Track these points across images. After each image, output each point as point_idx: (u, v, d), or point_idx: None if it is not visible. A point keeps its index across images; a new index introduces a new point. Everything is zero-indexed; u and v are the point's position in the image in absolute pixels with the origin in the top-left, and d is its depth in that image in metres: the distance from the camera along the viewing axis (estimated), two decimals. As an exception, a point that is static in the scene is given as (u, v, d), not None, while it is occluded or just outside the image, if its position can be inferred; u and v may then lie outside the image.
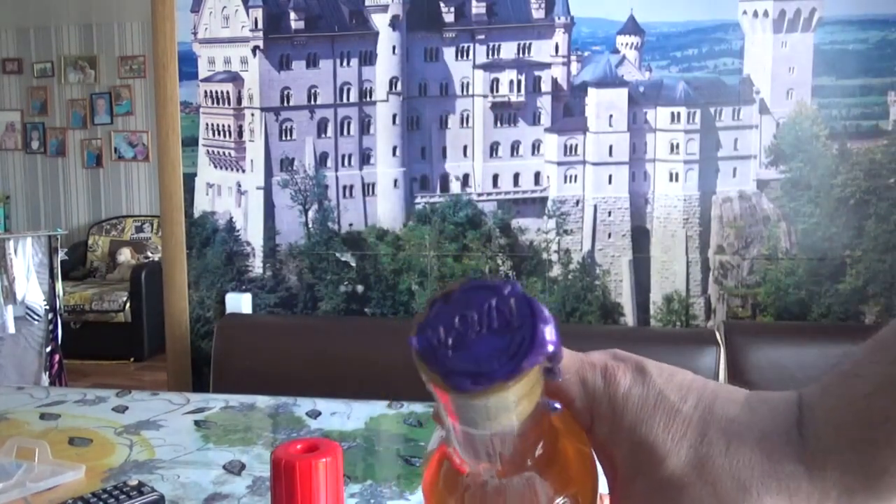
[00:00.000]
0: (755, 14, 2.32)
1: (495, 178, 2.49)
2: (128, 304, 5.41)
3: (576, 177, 2.45)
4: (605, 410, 0.36)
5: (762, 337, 2.26)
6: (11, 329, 3.49)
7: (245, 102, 2.56)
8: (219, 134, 2.60)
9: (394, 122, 2.51)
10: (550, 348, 0.31)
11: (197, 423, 1.54)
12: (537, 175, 2.47)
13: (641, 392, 0.35)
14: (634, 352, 0.39)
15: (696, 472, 0.34)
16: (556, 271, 2.46)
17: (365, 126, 2.52)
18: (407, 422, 1.56)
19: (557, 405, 0.35)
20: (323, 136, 2.54)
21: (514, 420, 0.32)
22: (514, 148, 2.48)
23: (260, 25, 2.52)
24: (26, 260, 3.55)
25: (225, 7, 2.55)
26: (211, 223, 2.62)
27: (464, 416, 0.32)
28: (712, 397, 0.35)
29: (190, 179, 2.61)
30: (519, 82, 2.45)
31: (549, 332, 0.31)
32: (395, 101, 2.50)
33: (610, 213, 2.43)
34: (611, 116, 2.42)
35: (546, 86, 2.44)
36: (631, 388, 0.36)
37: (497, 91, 2.46)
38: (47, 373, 3.66)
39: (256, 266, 2.60)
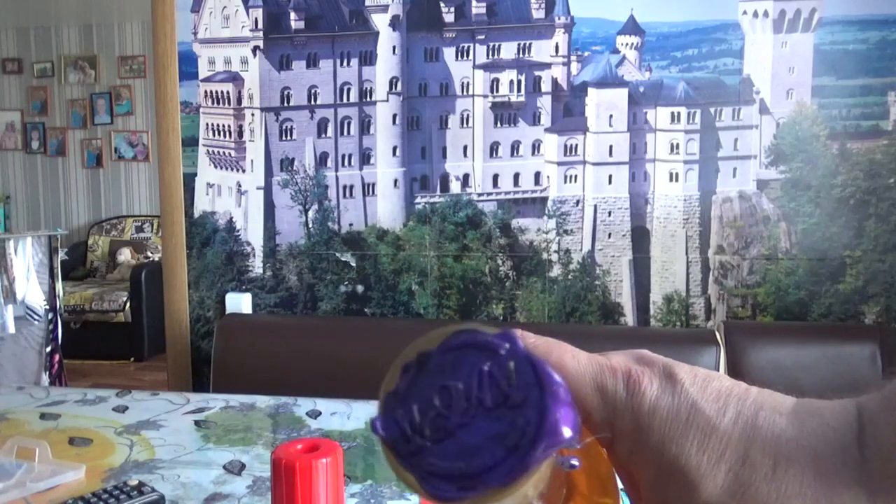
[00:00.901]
0: (755, 14, 2.32)
1: (495, 178, 2.49)
2: (128, 304, 5.41)
3: (576, 177, 2.45)
4: (627, 425, 0.30)
5: (762, 337, 2.26)
6: (11, 329, 3.48)
7: (245, 102, 2.56)
8: (219, 134, 2.60)
9: (394, 122, 2.51)
10: (566, 434, 0.23)
11: (197, 423, 1.54)
12: (537, 175, 2.47)
13: (671, 404, 0.30)
14: None
15: (737, 501, 0.29)
16: (556, 271, 2.46)
17: (365, 126, 2.52)
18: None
19: (575, 461, 0.28)
20: (323, 136, 2.54)
21: (527, 498, 0.26)
22: (515, 148, 2.48)
23: (260, 25, 2.52)
24: (26, 260, 3.55)
25: (225, 7, 2.55)
26: (211, 223, 2.62)
27: None
28: (755, 409, 0.30)
29: (190, 179, 2.61)
30: (519, 82, 2.45)
31: (564, 411, 0.24)
32: (395, 101, 2.50)
33: (610, 213, 2.43)
34: (611, 116, 2.42)
35: (546, 86, 2.44)
36: (658, 399, 0.30)
37: (497, 91, 2.46)
38: (47, 373, 3.66)
39: (256, 266, 2.60)
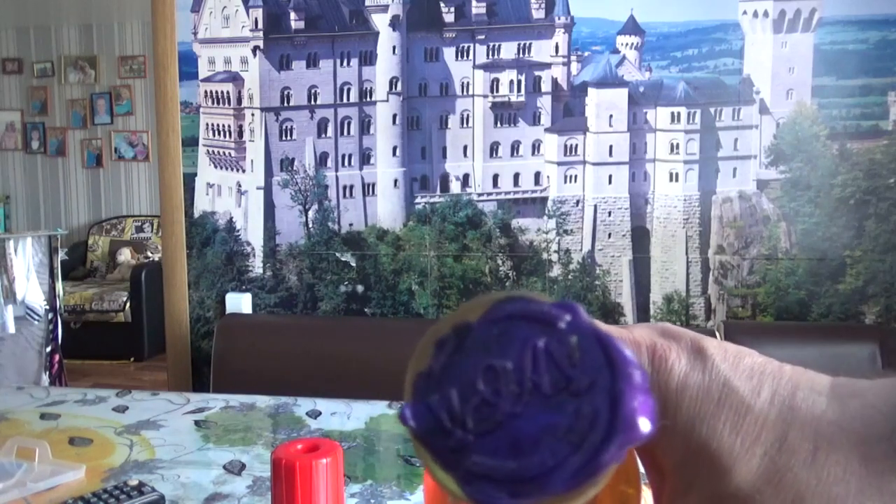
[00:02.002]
0: (755, 14, 2.32)
1: (495, 178, 2.49)
2: (128, 304, 5.41)
3: (576, 177, 2.45)
4: None
5: (762, 337, 2.26)
6: (11, 329, 3.48)
7: (245, 102, 2.56)
8: (219, 134, 2.60)
9: (394, 122, 2.51)
10: (645, 428, 0.19)
11: (197, 423, 1.54)
12: (537, 175, 2.47)
13: (701, 381, 0.27)
14: None
15: (772, 488, 0.26)
16: (556, 271, 2.46)
17: (365, 126, 2.52)
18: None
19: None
20: (323, 136, 2.54)
21: None
22: (515, 148, 2.48)
23: (260, 25, 2.52)
24: (26, 260, 3.55)
25: (225, 7, 2.55)
26: (211, 223, 2.62)
27: None
28: (792, 387, 0.28)
29: (190, 179, 2.61)
30: (519, 82, 2.45)
31: (642, 399, 0.19)
32: (395, 101, 2.50)
33: (610, 213, 2.43)
34: (611, 116, 2.42)
35: (546, 86, 2.44)
36: (688, 377, 0.27)
37: (497, 91, 2.46)
38: (47, 373, 3.66)
39: (256, 266, 2.60)
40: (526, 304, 0.20)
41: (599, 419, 0.19)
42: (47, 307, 3.64)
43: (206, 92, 2.59)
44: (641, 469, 0.30)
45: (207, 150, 2.61)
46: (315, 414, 1.59)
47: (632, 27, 2.37)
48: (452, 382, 0.19)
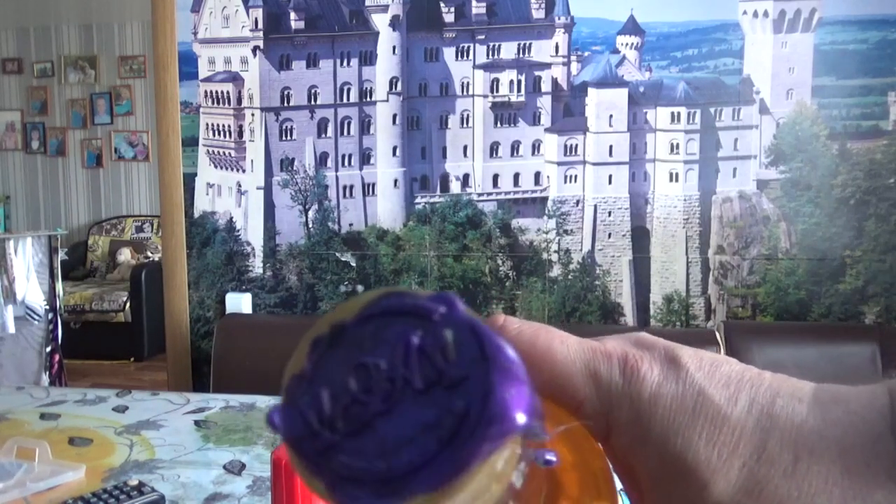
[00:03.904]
0: (755, 14, 2.32)
1: (495, 178, 2.49)
2: (128, 304, 5.41)
3: (576, 177, 2.45)
4: (626, 416, 0.27)
5: (762, 337, 2.26)
6: (11, 329, 3.48)
7: (245, 102, 2.56)
8: (219, 134, 2.60)
9: (394, 122, 2.51)
10: (519, 420, 0.18)
11: (197, 423, 1.54)
12: (537, 175, 2.47)
13: (675, 391, 0.26)
14: None
15: (753, 500, 0.25)
16: (556, 271, 2.46)
17: (365, 126, 2.52)
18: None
19: (551, 456, 0.23)
20: (323, 136, 2.54)
21: None
22: (514, 148, 2.48)
23: (260, 25, 2.52)
24: (26, 260, 3.55)
25: (225, 7, 2.55)
26: (211, 223, 2.62)
27: None
28: (771, 395, 0.26)
29: (190, 179, 2.61)
30: (519, 82, 2.45)
31: (517, 391, 0.18)
32: (395, 101, 2.50)
33: (610, 213, 2.43)
34: (611, 116, 2.42)
35: (546, 86, 2.44)
36: (660, 387, 0.26)
37: (497, 91, 2.46)
38: (47, 373, 3.66)
39: (256, 266, 2.60)
40: (401, 298, 0.19)
41: (470, 413, 0.18)
42: (47, 307, 3.64)
43: (206, 92, 2.59)
44: (619, 485, 0.29)
45: (207, 150, 2.61)
46: (315, 414, 1.59)
47: (632, 27, 2.37)
48: (323, 383, 0.19)
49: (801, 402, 0.26)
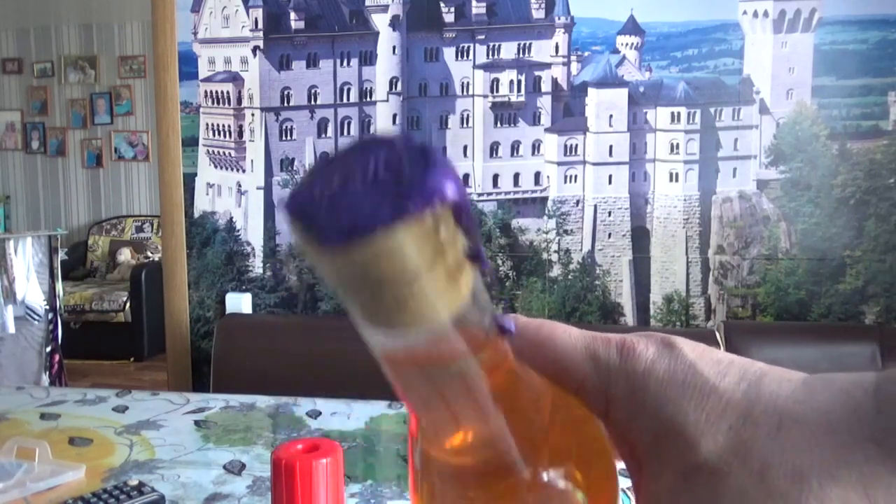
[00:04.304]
0: (755, 14, 2.33)
1: (495, 178, 2.49)
2: (128, 304, 5.41)
3: (576, 177, 2.45)
4: (622, 391, 0.29)
5: (762, 337, 2.26)
6: (11, 329, 3.49)
7: (245, 102, 2.56)
8: (219, 134, 2.60)
9: (394, 122, 2.51)
10: (449, 191, 0.24)
11: (197, 423, 1.54)
12: (537, 175, 2.47)
13: (668, 366, 0.29)
14: None
15: (739, 459, 0.26)
16: (556, 271, 2.46)
17: (365, 126, 2.52)
18: (407, 422, 1.56)
19: (510, 323, 0.28)
20: (323, 136, 2.54)
21: (439, 313, 0.25)
22: (514, 148, 2.48)
23: (260, 25, 2.52)
24: (26, 260, 3.55)
25: (225, 7, 2.55)
26: (211, 223, 2.62)
27: (365, 309, 0.25)
28: (759, 375, 0.28)
29: (190, 179, 2.61)
30: (519, 82, 2.45)
31: (445, 174, 0.24)
32: (395, 101, 2.50)
33: (610, 213, 2.43)
34: (611, 116, 2.42)
35: (546, 86, 2.44)
36: (654, 363, 0.29)
37: (497, 91, 2.46)
38: (47, 373, 3.66)
39: (256, 266, 2.60)
40: (377, 135, 0.26)
41: (412, 184, 0.24)
42: (47, 307, 3.64)
43: (206, 92, 2.59)
44: (621, 465, 0.31)
45: (207, 150, 2.61)
46: (315, 414, 1.59)
47: (632, 27, 2.37)
48: (317, 184, 0.25)
49: (790, 381, 0.28)
